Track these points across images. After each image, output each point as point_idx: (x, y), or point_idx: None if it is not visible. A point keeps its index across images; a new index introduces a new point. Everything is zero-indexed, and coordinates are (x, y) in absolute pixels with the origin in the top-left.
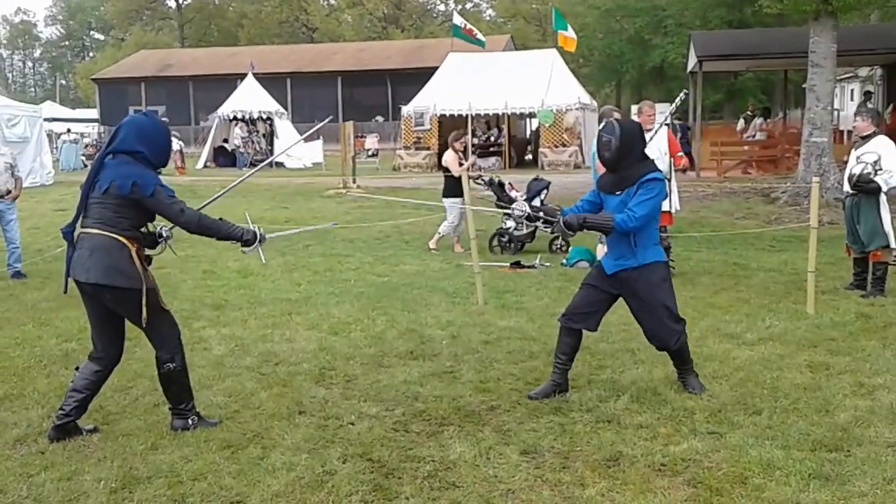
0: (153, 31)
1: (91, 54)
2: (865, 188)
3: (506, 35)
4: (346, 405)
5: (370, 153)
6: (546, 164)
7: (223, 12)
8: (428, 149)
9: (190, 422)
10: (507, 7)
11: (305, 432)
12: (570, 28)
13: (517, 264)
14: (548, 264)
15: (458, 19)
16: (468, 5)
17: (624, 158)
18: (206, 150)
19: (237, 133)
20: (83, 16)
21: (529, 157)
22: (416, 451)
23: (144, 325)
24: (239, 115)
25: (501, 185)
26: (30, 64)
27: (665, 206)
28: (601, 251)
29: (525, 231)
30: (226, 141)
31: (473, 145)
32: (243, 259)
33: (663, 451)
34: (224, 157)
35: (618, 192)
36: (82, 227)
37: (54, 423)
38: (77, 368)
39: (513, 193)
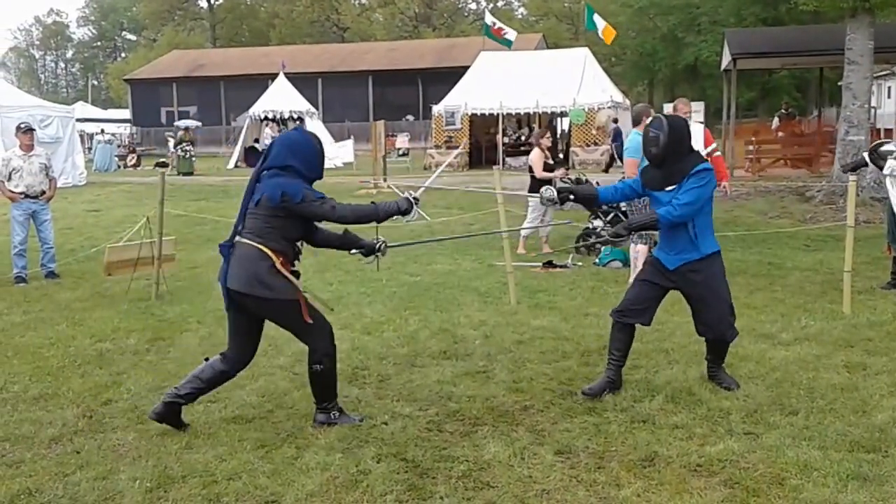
0: (185, 31)
1: (123, 55)
2: None
3: (538, 34)
4: (379, 405)
5: (401, 152)
6: (577, 164)
7: (255, 12)
8: (458, 147)
9: (332, 416)
10: (539, 5)
11: (339, 432)
12: (604, 22)
13: (549, 264)
14: (580, 264)
15: (489, 18)
16: (500, 3)
17: (672, 154)
18: (237, 150)
19: (268, 133)
20: (115, 16)
21: (561, 156)
22: (450, 450)
23: (292, 332)
24: (270, 115)
25: (579, 181)
26: (62, 65)
27: None
28: (639, 252)
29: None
30: (257, 141)
31: (504, 144)
32: None
33: (699, 452)
34: (255, 157)
35: (668, 189)
36: (239, 237)
37: (163, 400)
38: (206, 359)
39: None
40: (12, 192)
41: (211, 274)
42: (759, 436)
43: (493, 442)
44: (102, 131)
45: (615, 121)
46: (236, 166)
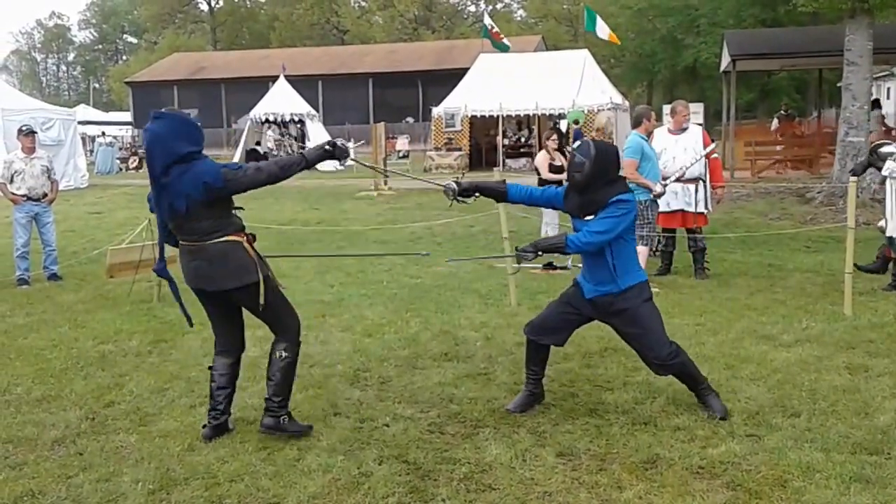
0: (186, 34)
1: (124, 57)
2: None
3: (537, 35)
4: (380, 407)
5: (401, 154)
6: None
7: (255, 15)
8: (459, 149)
9: (282, 420)
10: (538, 7)
11: (341, 434)
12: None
13: (550, 265)
14: (580, 265)
15: (487, 20)
16: (499, 6)
17: (594, 183)
18: (238, 153)
19: (269, 135)
20: (116, 19)
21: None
22: (452, 452)
23: (264, 313)
24: (271, 118)
25: None
26: (63, 67)
27: (699, 206)
28: (640, 254)
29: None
30: (258, 143)
31: (504, 146)
32: (275, 262)
33: (701, 454)
34: (256, 160)
35: (587, 217)
36: (183, 241)
37: (212, 424)
38: (210, 368)
39: None
40: (14, 194)
41: None
42: (761, 438)
43: (494, 444)
44: (103, 134)
45: (576, 122)
46: None
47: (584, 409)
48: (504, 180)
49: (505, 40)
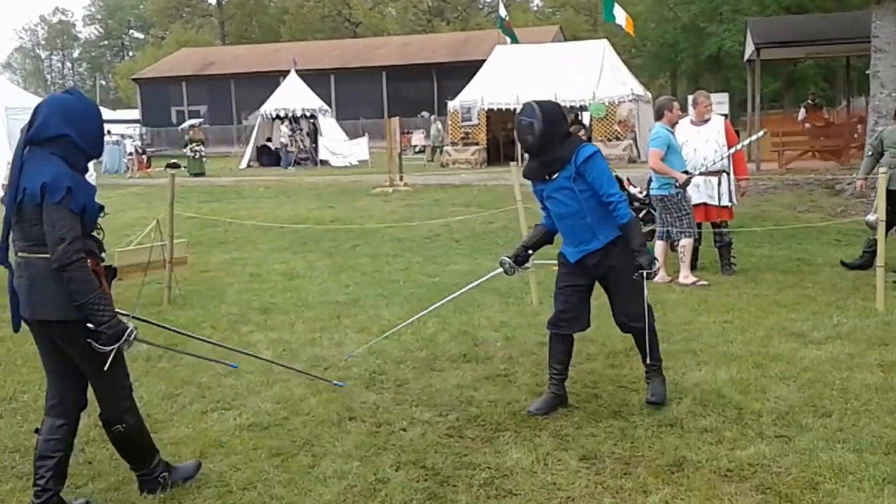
0: (193, 28)
1: (131, 53)
2: None
3: (554, 26)
4: (397, 410)
5: (417, 150)
6: None
7: (264, 8)
8: (476, 144)
9: (161, 479)
10: None
11: (356, 439)
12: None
13: None
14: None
15: (503, 11)
16: None
17: (549, 141)
18: (249, 150)
19: (283, 131)
20: (122, 14)
21: None
22: (472, 457)
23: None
24: (282, 114)
25: (619, 181)
26: (69, 64)
27: (724, 200)
28: (686, 247)
29: (645, 229)
30: (269, 140)
31: None
32: (289, 261)
33: (729, 456)
34: (268, 157)
35: (550, 177)
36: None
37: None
38: (37, 430)
39: (631, 189)
40: None
41: (225, 277)
42: (791, 439)
43: (515, 448)
44: (109, 132)
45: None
46: (248, 166)
47: (607, 410)
48: (536, 224)
49: (516, 32)
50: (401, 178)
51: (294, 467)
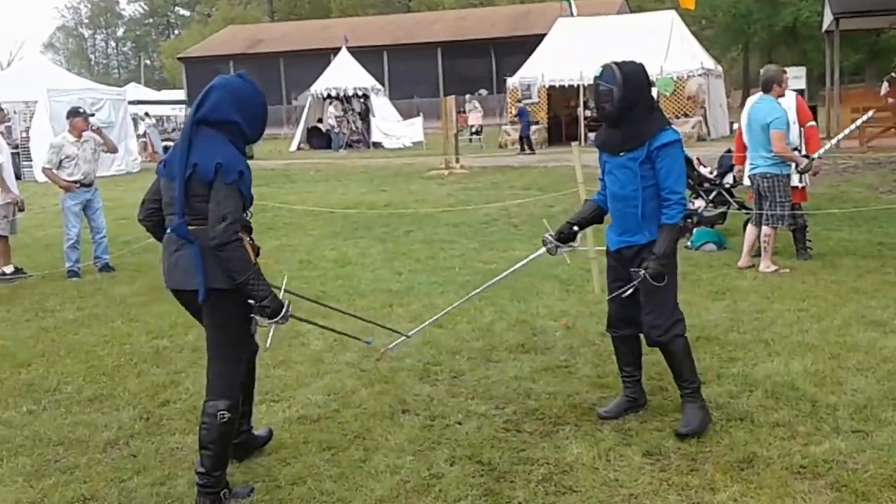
0: (241, 4)
1: (176, 32)
2: None
3: None
4: (452, 403)
5: (473, 130)
6: None
7: None
8: (537, 123)
9: (222, 496)
10: None
11: (409, 432)
12: None
13: None
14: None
15: None
16: None
17: (629, 110)
18: (299, 132)
19: (331, 112)
20: None
21: None
22: (530, 452)
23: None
24: (333, 93)
25: (689, 161)
26: (112, 44)
27: (795, 180)
28: (769, 237)
29: (715, 211)
30: (320, 121)
31: (586, 118)
32: (340, 248)
33: (802, 452)
34: (318, 139)
35: (622, 154)
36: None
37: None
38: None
39: (702, 169)
40: (67, 181)
41: (273, 264)
42: (869, 434)
43: (575, 443)
44: (147, 114)
45: (520, 101)
46: (299, 148)
47: (673, 404)
48: (586, 199)
49: (573, 5)
50: (457, 160)
51: (345, 461)
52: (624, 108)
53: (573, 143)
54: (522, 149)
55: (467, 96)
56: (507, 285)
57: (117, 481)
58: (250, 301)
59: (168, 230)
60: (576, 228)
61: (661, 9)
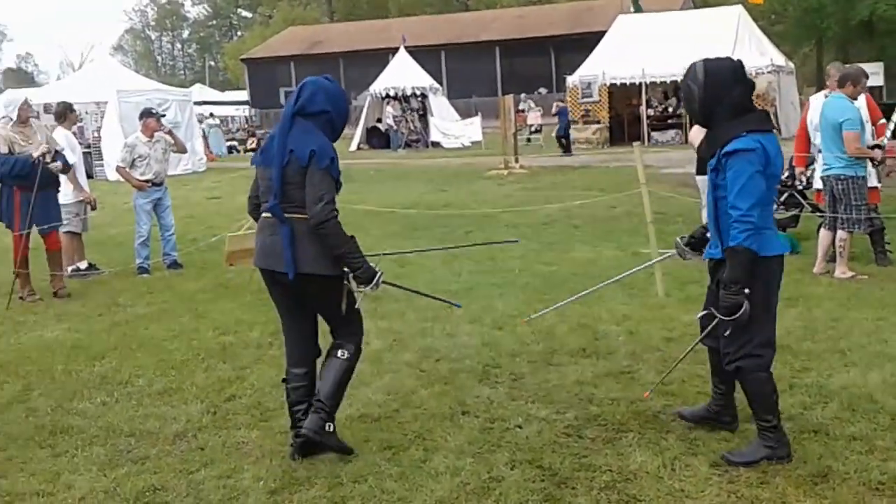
0: (301, 5)
1: (239, 33)
2: None
3: None
4: (512, 406)
5: (533, 129)
6: None
7: None
8: (598, 122)
9: (327, 427)
10: None
11: (469, 434)
12: None
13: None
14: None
15: None
16: None
17: (710, 112)
18: (358, 131)
19: (389, 112)
20: None
21: None
22: (591, 458)
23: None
24: (391, 93)
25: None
26: (178, 45)
27: (873, 180)
28: (845, 242)
29: (787, 214)
30: (379, 121)
31: (648, 117)
32: (400, 248)
33: (881, 468)
34: (378, 139)
35: (711, 158)
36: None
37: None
38: (284, 380)
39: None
40: (140, 180)
41: None
42: None
43: (639, 450)
44: (211, 115)
45: (562, 101)
46: (358, 148)
47: (743, 414)
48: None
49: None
50: (516, 160)
51: (405, 461)
52: (705, 108)
53: (634, 144)
54: (564, 148)
55: (523, 95)
56: (568, 288)
57: (185, 473)
58: (345, 270)
59: (262, 214)
60: (708, 236)
61: (727, 4)
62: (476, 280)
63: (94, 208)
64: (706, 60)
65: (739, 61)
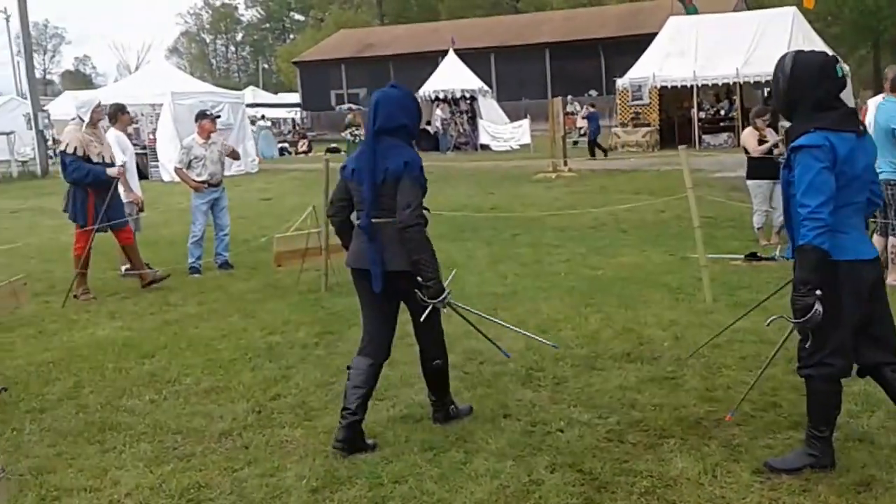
0: (352, 8)
1: (291, 36)
2: None
3: None
4: (554, 410)
5: (582, 132)
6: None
7: None
8: (648, 125)
9: (451, 411)
10: None
11: (510, 437)
12: None
13: (753, 256)
14: (790, 256)
15: None
16: None
17: (793, 106)
18: None
19: (437, 114)
20: None
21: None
22: (633, 464)
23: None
24: (441, 95)
25: None
26: (232, 48)
27: None
28: (876, 244)
29: None
30: (428, 123)
31: (700, 120)
32: (447, 250)
33: None
34: (426, 141)
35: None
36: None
37: (342, 424)
38: (349, 367)
39: None
40: (196, 181)
41: None
42: None
43: (681, 456)
44: (263, 117)
45: (592, 105)
46: None
47: (787, 421)
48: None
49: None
50: (565, 163)
51: (446, 463)
52: (787, 101)
53: (680, 147)
54: (592, 153)
55: (569, 97)
56: (614, 292)
57: (230, 471)
58: (418, 278)
59: (358, 224)
60: None
61: (781, 5)
62: (522, 283)
63: (141, 210)
64: (797, 52)
65: (833, 57)
